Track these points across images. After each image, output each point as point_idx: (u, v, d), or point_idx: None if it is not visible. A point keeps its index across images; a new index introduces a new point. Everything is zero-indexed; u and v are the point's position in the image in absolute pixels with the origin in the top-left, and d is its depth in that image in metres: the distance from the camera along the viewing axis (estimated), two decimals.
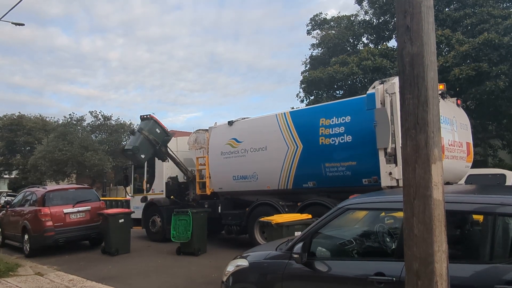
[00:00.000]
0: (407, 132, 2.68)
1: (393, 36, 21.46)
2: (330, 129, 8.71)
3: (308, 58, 24.02)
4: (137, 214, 12.78)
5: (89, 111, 42.99)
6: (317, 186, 9.03)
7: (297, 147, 9.20)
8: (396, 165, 7.51)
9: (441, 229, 2.56)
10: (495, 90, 12.48)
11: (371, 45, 21.54)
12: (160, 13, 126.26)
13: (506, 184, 12.67)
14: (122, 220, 10.58)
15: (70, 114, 39.89)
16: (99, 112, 39.43)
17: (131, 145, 11.40)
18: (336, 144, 8.56)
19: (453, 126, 8.35)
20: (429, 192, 2.54)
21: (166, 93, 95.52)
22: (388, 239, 4.08)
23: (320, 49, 23.86)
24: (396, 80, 7.83)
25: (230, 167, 10.60)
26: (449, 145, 8.01)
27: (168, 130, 12.45)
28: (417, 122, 2.63)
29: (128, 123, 41.42)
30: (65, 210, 11.03)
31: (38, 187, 12.30)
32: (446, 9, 17.36)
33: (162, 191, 12.59)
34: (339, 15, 24.38)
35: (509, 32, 13.27)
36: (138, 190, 13.96)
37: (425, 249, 2.52)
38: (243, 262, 4.33)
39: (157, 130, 11.62)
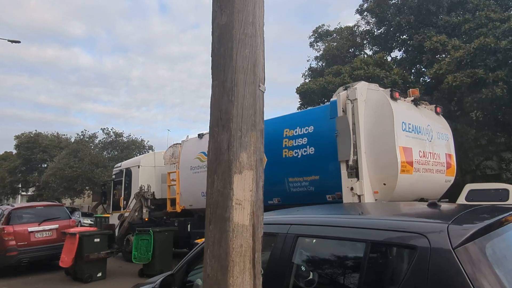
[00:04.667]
0: (211, 131, 1.98)
1: (398, 47, 20.64)
2: (294, 140, 8.06)
3: (307, 69, 23.33)
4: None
5: (101, 128, 43.51)
6: (281, 203, 8.35)
7: None
8: (358, 179, 6.75)
9: (243, 268, 1.81)
10: (492, 97, 11.42)
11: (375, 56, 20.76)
12: (179, 31, 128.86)
13: (510, 199, 11.53)
14: (98, 240, 9.70)
15: (82, 131, 40.33)
16: (111, 129, 39.71)
17: None
18: (299, 157, 7.91)
19: (426, 135, 7.50)
20: (228, 214, 1.83)
21: (187, 111, 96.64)
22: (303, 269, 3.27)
23: (323, 60, 23.16)
24: (359, 85, 7.13)
25: (199, 183, 10.01)
26: (421, 157, 7.17)
27: None
28: (220, 117, 1.93)
29: (140, 140, 41.54)
30: (30, 229, 10.59)
31: (8, 205, 11.97)
32: (447, 17, 16.43)
33: None
34: (341, 26, 23.71)
35: (507, 36, 12.24)
36: (118, 207, 13.45)
37: None
38: None
39: None
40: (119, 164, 14.06)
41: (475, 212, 2.71)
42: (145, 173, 12.38)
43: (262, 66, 2.08)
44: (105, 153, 40.07)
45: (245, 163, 1.88)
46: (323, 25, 24.77)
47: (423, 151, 7.28)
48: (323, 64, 23.03)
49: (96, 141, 40.94)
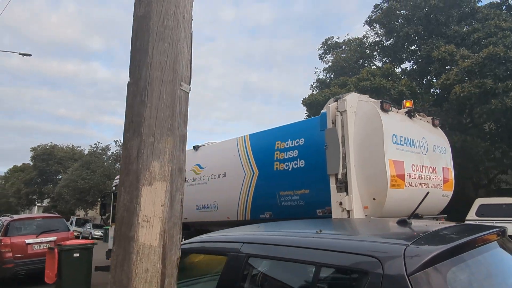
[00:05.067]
0: (123, 136, 1.74)
1: (408, 58, 20.25)
2: (285, 153, 7.76)
3: (315, 81, 23.08)
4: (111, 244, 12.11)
5: (114, 140, 44.09)
6: (273, 217, 7.97)
7: (253, 173, 8.29)
8: (347, 193, 6.36)
9: None
10: (502, 108, 10.92)
11: (382, 67, 20.41)
12: (194, 44, 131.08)
13: None
14: (78, 254, 9.42)
15: (95, 143, 40.83)
16: None
17: None
18: (289, 170, 7.56)
19: (421, 148, 7.11)
20: (132, 233, 1.58)
21: (201, 122, 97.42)
22: None
23: (330, 72, 22.89)
24: (348, 96, 6.80)
25: (193, 195, 9.76)
26: (414, 171, 6.74)
27: None
28: (132, 120, 1.69)
29: None
30: (27, 241, 10.48)
31: (8, 216, 11.94)
32: (456, 27, 16.03)
33: None
34: (349, 37, 23.45)
35: None
36: None
37: None
38: None
39: None
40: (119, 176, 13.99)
41: (446, 231, 2.39)
42: None
43: (187, 63, 1.85)
44: (117, 165, 40.32)
45: (157, 173, 1.64)
46: (332, 36, 24.60)
47: (417, 165, 6.82)
48: (332, 76, 22.76)
49: (109, 153, 41.33)
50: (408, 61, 20.34)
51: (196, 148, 10.29)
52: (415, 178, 6.67)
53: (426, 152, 7.16)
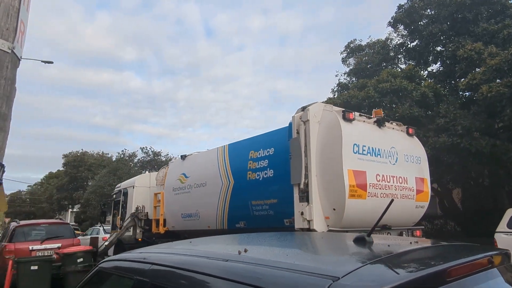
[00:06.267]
0: None
1: (434, 60, 19.14)
2: (257, 162, 7.71)
3: (336, 85, 22.31)
4: (111, 252, 12.02)
5: (140, 147, 44.85)
6: (247, 227, 7.92)
7: (229, 182, 8.29)
8: (308, 203, 6.12)
9: None
10: None
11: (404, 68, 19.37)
12: (224, 54, 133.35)
13: None
14: (36, 267, 8.59)
15: (122, 150, 41.59)
16: (150, 148, 40.75)
17: None
18: (260, 179, 7.53)
19: (389, 158, 6.76)
20: None
21: (231, 131, 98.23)
22: None
23: (351, 75, 22.06)
24: (312, 106, 6.56)
25: (179, 204, 9.87)
26: (378, 181, 6.38)
27: None
28: None
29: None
30: (31, 247, 10.39)
31: (15, 222, 12.00)
32: (485, 24, 14.91)
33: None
34: (372, 39, 22.54)
35: None
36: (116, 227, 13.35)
37: None
38: None
39: None
40: (119, 184, 14.14)
41: (414, 255, 1.70)
42: (140, 193, 12.25)
43: (8, 11, 1.35)
44: (143, 171, 40.78)
45: None
46: (355, 40, 23.77)
47: (382, 175, 6.45)
48: (354, 79, 21.94)
49: (135, 160, 41.95)
50: (434, 63, 19.25)
51: (183, 157, 10.35)
52: (379, 189, 6.33)
53: (396, 161, 6.81)
